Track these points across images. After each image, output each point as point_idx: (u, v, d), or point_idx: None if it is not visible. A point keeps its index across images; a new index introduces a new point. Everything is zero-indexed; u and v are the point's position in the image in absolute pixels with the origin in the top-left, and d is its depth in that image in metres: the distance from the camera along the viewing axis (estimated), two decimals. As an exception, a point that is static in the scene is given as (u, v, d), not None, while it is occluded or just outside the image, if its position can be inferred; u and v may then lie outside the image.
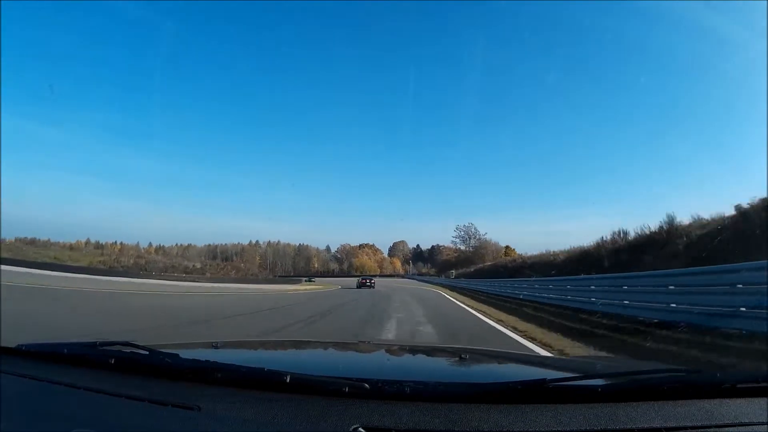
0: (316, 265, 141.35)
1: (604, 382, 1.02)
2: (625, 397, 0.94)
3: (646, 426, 0.85)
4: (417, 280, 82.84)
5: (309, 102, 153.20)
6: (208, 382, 1.06)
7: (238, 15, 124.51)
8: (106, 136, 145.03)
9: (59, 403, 1.02)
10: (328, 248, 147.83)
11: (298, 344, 2.54)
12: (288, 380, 1.00)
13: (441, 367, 1.70)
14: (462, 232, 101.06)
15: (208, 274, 61.95)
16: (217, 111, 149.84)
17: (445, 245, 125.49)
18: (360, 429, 0.84)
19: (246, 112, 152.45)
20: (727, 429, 0.85)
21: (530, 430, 0.85)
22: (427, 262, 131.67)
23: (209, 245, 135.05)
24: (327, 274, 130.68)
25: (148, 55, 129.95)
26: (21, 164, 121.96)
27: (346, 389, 0.96)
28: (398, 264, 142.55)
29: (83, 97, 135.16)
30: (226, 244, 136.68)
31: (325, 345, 2.35)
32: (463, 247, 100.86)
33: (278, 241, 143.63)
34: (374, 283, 38.42)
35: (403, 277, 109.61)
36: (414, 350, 2.16)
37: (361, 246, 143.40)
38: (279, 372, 1.03)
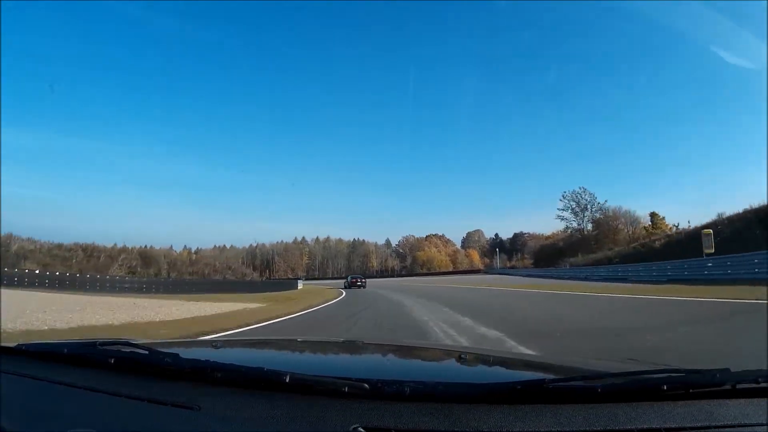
0: (374, 263, 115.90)
1: (604, 383, 0.98)
2: (625, 398, 0.93)
3: (645, 426, 0.84)
4: (515, 276, 53.54)
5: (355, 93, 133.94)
6: (208, 381, 1.05)
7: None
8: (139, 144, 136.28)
9: (59, 403, 1.03)
10: (387, 242, 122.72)
11: (298, 344, 2.37)
12: (288, 380, 0.99)
13: (441, 367, 1.69)
14: (571, 202, 69.48)
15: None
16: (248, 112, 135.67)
17: (531, 232, 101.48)
18: (360, 429, 0.85)
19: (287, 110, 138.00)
20: (726, 429, 0.85)
21: (530, 430, 0.85)
22: (512, 253, 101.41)
23: (251, 245, 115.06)
24: (386, 273, 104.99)
25: (177, 61, 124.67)
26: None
27: (346, 389, 0.95)
28: (475, 257, 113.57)
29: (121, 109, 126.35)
30: (265, 244, 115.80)
31: (325, 345, 2.32)
32: (575, 224, 69.54)
33: (327, 237, 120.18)
34: (365, 282, 36.12)
35: (486, 273, 79.69)
36: (414, 350, 2.18)
37: (427, 237, 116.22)
38: (279, 372, 1.02)
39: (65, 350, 1.30)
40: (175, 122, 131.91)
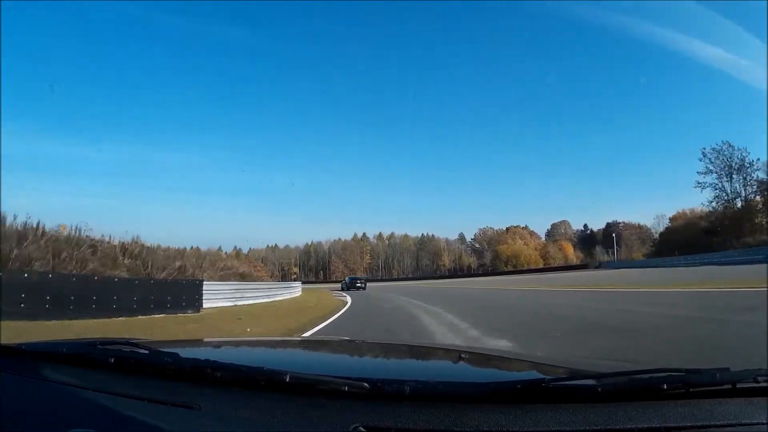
0: (445, 261, 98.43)
1: (604, 382, 0.99)
2: (625, 397, 0.93)
3: (645, 426, 0.84)
4: (660, 268, 35.45)
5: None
6: (208, 381, 1.05)
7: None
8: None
9: (59, 403, 1.03)
10: (461, 237, 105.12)
11: (298, 344, 2.49)
12: (288, 380, 0.99)
13: (441, 367, 1.70)
14: (715, 162, 47.70)
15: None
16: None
17: (627, 221, 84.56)
18: (360, 428, 0.85)
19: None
20: (727, 429, 0.85)
21: (530, 429, 0.85)
22: (605, 245, 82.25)
23: (306, 245, 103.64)
24: (460, 272, 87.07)
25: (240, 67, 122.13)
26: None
27: (346, 389, 0.96)
28: (569, 249, 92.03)
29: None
30: (322, 242, 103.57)
31: (325, 344, 2.33)
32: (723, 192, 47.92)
33: (392, 234, 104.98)
34: (365, 284, 34.28)
35: (596, 268, 59.55)
36: (414, 350, 2.15)
37: (509, 229, 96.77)
38: (279, 371, 1.02)
39: (65, 350, 1.29)
40: (224, 128, 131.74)
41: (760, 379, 0.92)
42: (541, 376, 1.18)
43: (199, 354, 1.54)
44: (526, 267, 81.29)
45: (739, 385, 0.92)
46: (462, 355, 1.54)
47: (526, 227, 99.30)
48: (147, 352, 1.24)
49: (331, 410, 0.91)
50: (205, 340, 4.20)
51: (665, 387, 0.92)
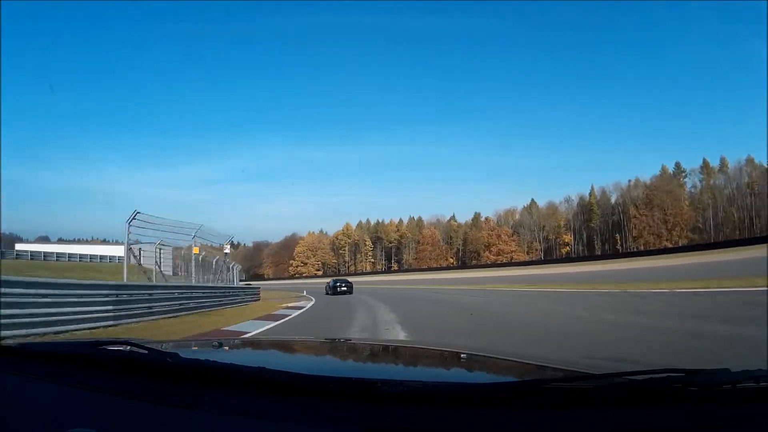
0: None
1: (603, 383, 1.01)
2: (624, 398, 0.93)
3: (644, 427, 0.85)
4: None
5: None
6: (209, 381, 1.05)
7: None
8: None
9: (59, 403, 1.03)
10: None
11: (298, 344, 2.39)
12: (288, 380, 1.00)
13: (440, 368, 1.68)
14: None
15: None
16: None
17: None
18: (360, 428, 0.85)
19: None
20: (727, 430, 0.85)
21: (529, 430, 0.85)
22: None
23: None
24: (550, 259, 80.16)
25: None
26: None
27: (346, 389, 0.96)
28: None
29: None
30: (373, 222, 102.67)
31: (325, 345, 2.31)
32: None
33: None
34: (351, 286, 30.05)
35: None
36: (414, 350, 2.14)
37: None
38: (279, 372, 1.04)
39: (66, 350, 1.31)
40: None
41: (760, 380, 0.90)
42: (541, 377, 1.22)
43: (199, 354, 1.60)
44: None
45: (739, 386, 0.90)
46: (461, 356, 1.54)
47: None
48: (147, 352, 1.25)
49: (331, 410, 0.90)
50: (206, 340, 4.36)
51: (665, 388, 0.91)
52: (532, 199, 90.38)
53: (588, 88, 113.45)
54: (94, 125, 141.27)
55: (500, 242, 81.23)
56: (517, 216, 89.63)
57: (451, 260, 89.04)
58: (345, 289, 29.11)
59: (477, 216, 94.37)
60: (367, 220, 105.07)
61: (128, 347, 1.31)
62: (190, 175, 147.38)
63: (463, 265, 79.43)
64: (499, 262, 73.43)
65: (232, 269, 28.43)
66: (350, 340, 2.34)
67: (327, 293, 29.31)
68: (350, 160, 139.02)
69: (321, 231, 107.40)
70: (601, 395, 0.93)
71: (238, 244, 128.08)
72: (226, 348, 1.87)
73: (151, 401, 0.98)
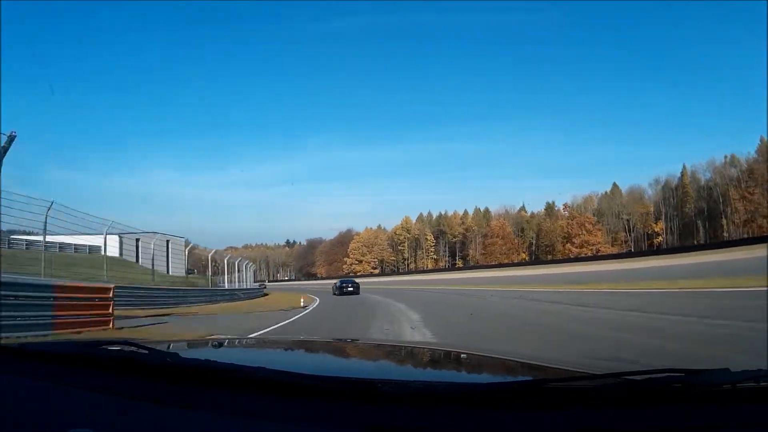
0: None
1: (603, 383, 1.02)
2: (624, 398, 0.93)
3: (644, 427, 0.85)
4: None
5: None
6: (208, 381, 1.05)
7: None
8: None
9: (59, 403, 1.04)
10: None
11: (298, 344, 2.40)
12: (288, 380, 1.00)
13: (441, 368, 1.70)
14: None
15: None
16: None
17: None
18: (360, 429, 0.86)
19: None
20: (727, 430, 0.85)
21: (530, 430, 0.85)
22: None
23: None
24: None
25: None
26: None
27: (346, 389, 0.96)
28: None
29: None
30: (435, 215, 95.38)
31: (325, 345, 2.33)
32: None
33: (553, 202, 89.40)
34: (358, 286, 31.88)
35: None
36: (414, 350, 2.15)
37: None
38: (279, 372, 1.04)
39: (66, 350, 1.32)
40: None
41: (760, 380, 0.91)
42: (540, 377, 1.23)
43: (199, 354, 1.63)
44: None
45: (739, 386, 0.90)
46: (462, 356, 1.55)
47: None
48: (147, 352, 1.26)
49: (331, 410, 0.90)
50: (206, 339, 4.30)
51: (665, 388, 0.91)
52: (614, 183, 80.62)
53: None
54: (143, 129, 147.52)
55: (583, 232, 71.18)
56: (595, 204, 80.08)
57: (524, 255, 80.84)
58: (351, 289, 30.88)
59: (551, 205, 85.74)
60: (428, 213, 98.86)
61: (128, 347, 1.31)
62: (242, 178, 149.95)
63: (537, 261, 70.98)
64: (583, 255, 63.33)
65: (246, 269, 30.15)
66: (350, 340, 2.34)
67: (334, 293, 30.88)
68: (416, 156, 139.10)
69: (379, 226, 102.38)
70: (601, 395, 0.93)
71: (294, 243, 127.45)
72: (226, 348, 1.89)
73: (151, 401, 0.98)
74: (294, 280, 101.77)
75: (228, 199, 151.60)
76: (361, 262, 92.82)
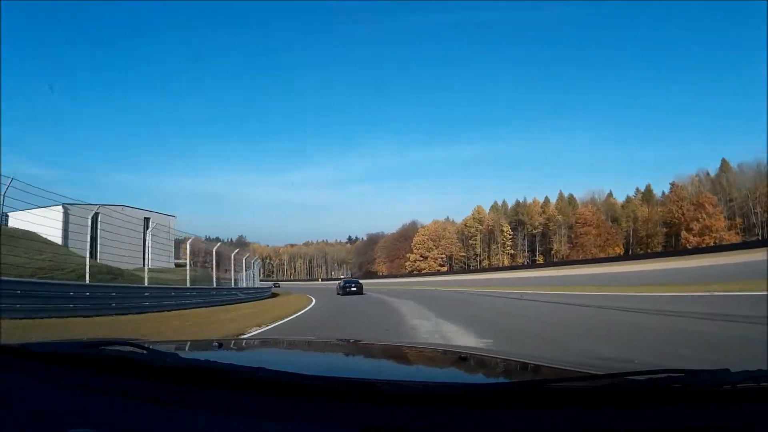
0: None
1: (603, 383, 1.02)
2: (624, 399, 0.93)
3: (644, 427, 0.85)
4: None
5: None
6: (209, 381, 1.07)
7: None
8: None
9: (59, 403, 1.05)
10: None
11: (298, 344, 2.49)
12: (288, 380, 1.01)
13: (441, 368, 1.70)
14: None
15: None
16: None
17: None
18: (360, 429, 0.86)
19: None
20: (727, 430, 0.85)
21: (529, 430, 0.86)
22: None
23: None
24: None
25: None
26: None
27: (346, 389, 0.97)
28: None
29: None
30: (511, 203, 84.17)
31: (325, 345, 2.37)
32: None
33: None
34: (361, 287, 31.87)
35: None
36: (414, 351, 2.15)
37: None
38: (279, 372, 1.05)
39: (66, 350, 1.32)
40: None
41: (760, 380, 0.90)
42: (540, 377, 1.24)
43: (199, 354, 1.66)
44: None
45: (739, 386, 0.90)
46: (462, 356, 1.57)
47: None
48: (147, 352, 1.27)
49: (331, 411, 0.91)
50: (206, 340, 4.35)
51: (665, 388, 0.91)
52: (723, 159, 65.64)
53: None
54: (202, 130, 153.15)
55: (703, 215, 57.06)
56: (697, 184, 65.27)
57: (618, 249, 67.75)
58: (354, 290, 30.86)
59: (649, 188, 72.12)
60: (504, 201, 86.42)
61: (128, 347, 1.31)
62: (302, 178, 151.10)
63: (635, 255, 58.06)
64: (704, 245, 49.89)
65: (253, 265, 30.50)
66: (350, 340, 2.25)
67: (338, 293, 30.75)
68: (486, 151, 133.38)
69: (447, 218, 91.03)
70: (601, 395, 0.92)
71: (356, 239, 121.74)
72: (226, 348, 1.89)
73: (151, 401, 0.99)
74: (270, 279, 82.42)
75: (291, 199, 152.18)
76: (426, 258, 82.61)
